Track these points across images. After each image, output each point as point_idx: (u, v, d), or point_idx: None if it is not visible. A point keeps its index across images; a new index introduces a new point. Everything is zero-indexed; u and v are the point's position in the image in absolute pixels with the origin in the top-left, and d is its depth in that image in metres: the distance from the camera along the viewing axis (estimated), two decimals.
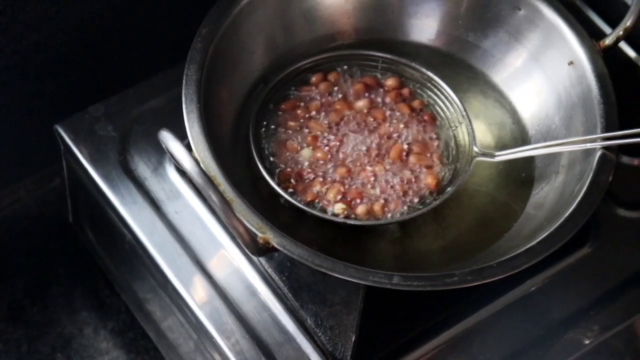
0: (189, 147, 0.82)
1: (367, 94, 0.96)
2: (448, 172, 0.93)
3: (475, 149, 0.92)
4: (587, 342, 0.92)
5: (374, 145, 0.93)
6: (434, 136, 0.95)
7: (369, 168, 0.92)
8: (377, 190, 0.91)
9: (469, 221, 0.92)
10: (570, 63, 0.94)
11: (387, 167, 0.92)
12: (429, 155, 0.93)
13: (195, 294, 0.90)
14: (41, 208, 1.14)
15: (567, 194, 0.88)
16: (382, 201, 0.90)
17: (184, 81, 0.88)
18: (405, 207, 0.91)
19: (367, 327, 0.86)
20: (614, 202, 0.97)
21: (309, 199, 0.90)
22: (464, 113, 0.94)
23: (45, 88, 1.07)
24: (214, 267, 0.91)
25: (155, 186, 0.95)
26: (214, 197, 0.77)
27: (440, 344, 0.89)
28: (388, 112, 0.95)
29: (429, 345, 0.89)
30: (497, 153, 0.93)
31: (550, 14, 0.95)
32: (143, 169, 0.96)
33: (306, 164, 0.92)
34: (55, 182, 1.14)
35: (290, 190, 0.90)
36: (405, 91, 0.97)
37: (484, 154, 0.92)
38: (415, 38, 1.00)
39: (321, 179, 0.91)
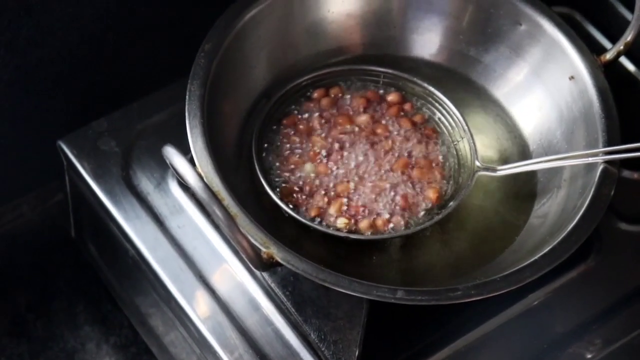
0: (192, 162, 0.82)
1: (369, 109, 0.96)
2: (450, 187, 0.93)
3: (477, 163, 0.93)
4: (589, 356, 0.92)
5: (376, 160, 0.93)
6: (436, 151, 0.95)
7: (369, 183, 0.92)
8: (380, 205, 0.91)
9: (471, 235, 0.93)
10: (572, 78, 0.94)
11: (390, 181, 0.92)
12: (431, 169, 0.94)
13: (199, 309, 0.90)
14: (44, 223, 1.15)
15: (570, 208, 0.88)
16: (385, 216, 0.90)
17: (187, 97, 0.88)
18: (408, 221, 0.91)
19: (370, 342, 0.86)
20: (616, 216, 0.97)
21: (312, 214, 0.90)
22: (466, 127, 0.94)
23: (48, 103, 1.07)
24: (217, 281, 0.91)
25: (158, 201, 0.95)
26: (218, 212, 0.77)
27: (443, 358, 0.89)
28: (390, 127, 0.95)
29: (432, 359, 0.89)
30: (499, 167, 0.93)
31: (551, 29, 0.95)
32: (146, 184, 0.96)
33: (309, 178, 0.92)
34: (58, 197, 1.14)
35: (293, 205, 0.90)
36: (407, 106, 0.97)
37: (486, 169, 0.93)
38: (417, 53, 1.01)
39: (324, 193, 0.91)
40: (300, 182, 0.92)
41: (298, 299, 0.88)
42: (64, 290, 1.12)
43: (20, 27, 0.98)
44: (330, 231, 0.89)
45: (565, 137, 0.94)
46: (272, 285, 0.90)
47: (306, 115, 0.95)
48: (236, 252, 0.92)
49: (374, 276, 0.88)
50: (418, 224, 0.90)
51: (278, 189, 0.91)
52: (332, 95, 0.97)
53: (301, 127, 0.95)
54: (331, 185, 0.92)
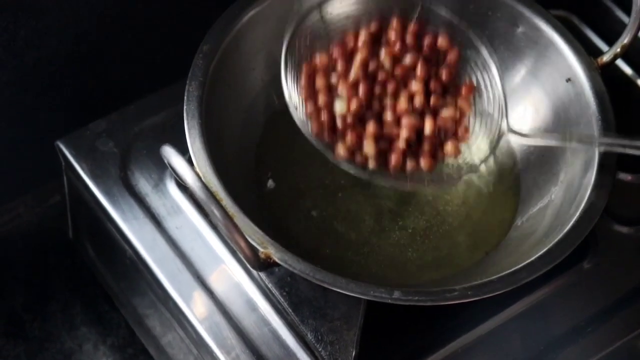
0: (190, 162, 0.82)
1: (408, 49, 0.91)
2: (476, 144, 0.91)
3: (506, 124, 0.90)
4: (585, 357, 0.92)
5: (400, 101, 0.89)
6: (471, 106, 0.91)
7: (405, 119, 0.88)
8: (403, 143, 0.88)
9: (463, 236, 0.93)
10: (569, 80, 0.94)
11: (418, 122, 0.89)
12: (461, 121, 0.90)
13: (196, 309, 0.90)
14: (41, 224, 1.15)
15: (566, 210, 0.88)
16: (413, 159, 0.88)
17: (185, 97, 0.88)
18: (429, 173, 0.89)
19: (367, 342, 0.87)
20: (612, 218, 0.98)
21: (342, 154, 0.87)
22: (499, 81, 0.91)
23: (46, 104, 1.07)
24: (214, 282, 0.92)
25: (156, 202, 0.95)
26: (216, 212, 0.77)
27: (440, 358, 0.90)
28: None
29: None
30: (532, 134, 0.91)
31: (549, 31, 0.96)
32: (144, 185, 0.96)
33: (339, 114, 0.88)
34: (55, 199, 1.14)
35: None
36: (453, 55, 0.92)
37: (516, 133, 0.90)
38: None
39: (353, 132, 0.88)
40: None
41: (295, 300, 0.89)
42: (61, 290, 1.12)
43: (18, 28, 0.99)
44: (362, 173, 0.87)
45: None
46: (270, 285, 0.90)
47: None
48: (234, 253, 0.92)
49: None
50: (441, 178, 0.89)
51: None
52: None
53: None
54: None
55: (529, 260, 0.84)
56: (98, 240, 1.05)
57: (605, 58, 0.95)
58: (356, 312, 0.86)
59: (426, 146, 0.89)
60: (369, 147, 0.87)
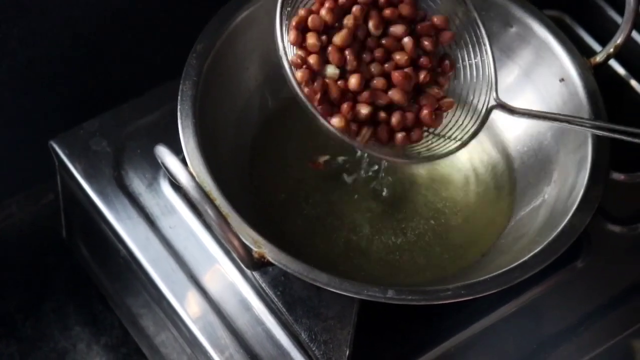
0: (184, 162, 0.82)
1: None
2: (460, 117, 0.88)
3: (494, 95, 0.87)
4: (579, 356, 0.92)
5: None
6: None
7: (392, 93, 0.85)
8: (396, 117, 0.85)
9: (457, 235, 0.93)
10: (562, 80, 0.94)
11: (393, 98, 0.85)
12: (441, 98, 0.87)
13: (190, 309, 0.90)
14: (34, 224, 1.14)
15: (559, 209, 0.89)
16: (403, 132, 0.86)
17: (179, 97, 0.88)
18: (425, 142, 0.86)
19: (361, 342, 0.87)
20: (605, 218, 0.98)
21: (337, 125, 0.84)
22: (489, 49, 0.88)
23: (39, 104, 1.07)
24: (208, 281, 0.92)
25: (149, 201, 0.95)
26: (209, 212, 0.77)
27: (433, 358, 0.90)
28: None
29: (422, 359, 0.89)
30: (519, 109, 0.87)
31: (542, 31, 0.96)
32: (138, 185, 0.96)
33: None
34: (49, 198, 1.14)
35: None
36: (422, 13, 0.88)
37: (503, 106, 0.87)
38: None
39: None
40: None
41: (289, 299, 0.89)
42: (55, 290, 1.12)
43: (11, 27, 0.98)
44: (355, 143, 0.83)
45: (556, 139, 0.94)
46: (263, 285, 0.90)
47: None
48: (227, 253, 0.92)
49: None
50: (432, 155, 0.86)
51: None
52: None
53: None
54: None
55: (522, 260, 0.84)
56: (92, 240, 1.05)
57: (599, 58, 0.95)
58: (350, 311, 0.86)
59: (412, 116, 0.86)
60: (364, 110, 0.83)
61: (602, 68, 0.95)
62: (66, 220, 1.08)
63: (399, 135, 0.85)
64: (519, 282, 0.84)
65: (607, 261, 0.96)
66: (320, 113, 0.83)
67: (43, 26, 1.01)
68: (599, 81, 0.94)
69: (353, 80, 0.84)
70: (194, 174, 0.84)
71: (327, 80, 0.84)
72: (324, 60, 0.85)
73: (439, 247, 0.93)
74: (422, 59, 0.87)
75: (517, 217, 0.94)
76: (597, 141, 0.90)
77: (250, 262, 0.80)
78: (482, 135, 0.97)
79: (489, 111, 0.87)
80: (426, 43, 0.87)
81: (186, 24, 0.97)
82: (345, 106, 0.84)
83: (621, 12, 0.94)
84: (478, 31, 0.89)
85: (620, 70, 1.07)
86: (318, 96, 0.84)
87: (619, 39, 0.94)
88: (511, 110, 0.88)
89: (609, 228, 0.98)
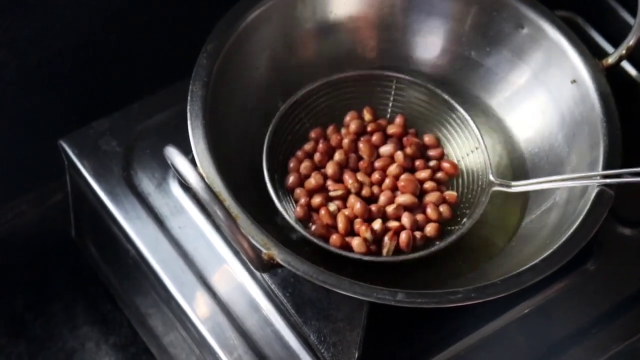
0: (193, 163, 0.82)
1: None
2: (463, 201, 0.93)
3: (492, 178, 0.92)
4: None
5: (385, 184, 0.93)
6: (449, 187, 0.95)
7: (389, 208, 0.92)
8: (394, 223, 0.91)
9: (468, 238, 0.93)
10: (574, 81, 0.94)
11: (404, 204, 0.92)
12: (443, 193, 0.93)
13: (198, 309, 0.90)
14: (43, 223, 1.15)
15: (570, 212, 0.88)
16: (402, 236, 0.90)
17: (189, 97, 0.88)
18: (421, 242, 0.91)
19: (370, 344, 0.87)
20: (616, 220, 0.97)
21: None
22: (480, 140, 0.94)
23: (49, 103, 1.07)
24: (217, 282, 0.92)
25: (159, 201, 0.95)
26: (219, 213, 0.77)
27: None
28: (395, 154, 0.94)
29: None
30: (514, 183, 0.92)
31: (553, 33, 0.96)
32: (147, 184, 0.96)
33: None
34: (58, 197, 1.14)
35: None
36: (412, 132, 0.97)
37: (501, 184, 0.92)
38: (418, 55, 1.01)
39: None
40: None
41: (298, 301, 0.88)
42: (64, 290, 1.12)
43: (21, 27, 0.99)
44: (352, 255, 0.89)
45: (567, 141, 0.94)
46: (272, 286, 0.90)
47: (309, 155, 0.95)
48: (237, 253, 0.92)
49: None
50: (433, 245, 0.90)
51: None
52: (329, 138, 0.95)
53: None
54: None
55: (532, 263, 0.84)
56: (100, 240, 1.05)
57: (611, 60, 0.94)
58: (359, 313, 0.86)
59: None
60: (376, 225, 0.90)
61: (615, 70, 0.95)
62: (75, 220, 1.08)
63: (418, 235, 0.91)
64: (530, 285, 0.83)
65: (618, 264, 0.96)
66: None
67: (52, 27, 1.01)
68: (611, 83, 0.93)
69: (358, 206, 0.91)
70: (204, 174, 0.84)
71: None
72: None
73: (450, 249, 0.92)
74: (417, 163, 0.94)
75: (528, 220, 0.93)
76: (609, 143, 0.90)
77: (260, 264, 0.80)
78: (493, 137, 0.98)
79: (487, 192, 0.92)
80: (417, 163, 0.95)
81: (197, 23, 0.97)
82: (362, 228, 0.90)
83: (634, 13, 0.94)
84: (470, 128, 0.95)
85: (633, 71, 1.07)
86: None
87: (631, 41, 0.94)
88: (509, 185, 0.92)
89: (619, 231, 0.97)
